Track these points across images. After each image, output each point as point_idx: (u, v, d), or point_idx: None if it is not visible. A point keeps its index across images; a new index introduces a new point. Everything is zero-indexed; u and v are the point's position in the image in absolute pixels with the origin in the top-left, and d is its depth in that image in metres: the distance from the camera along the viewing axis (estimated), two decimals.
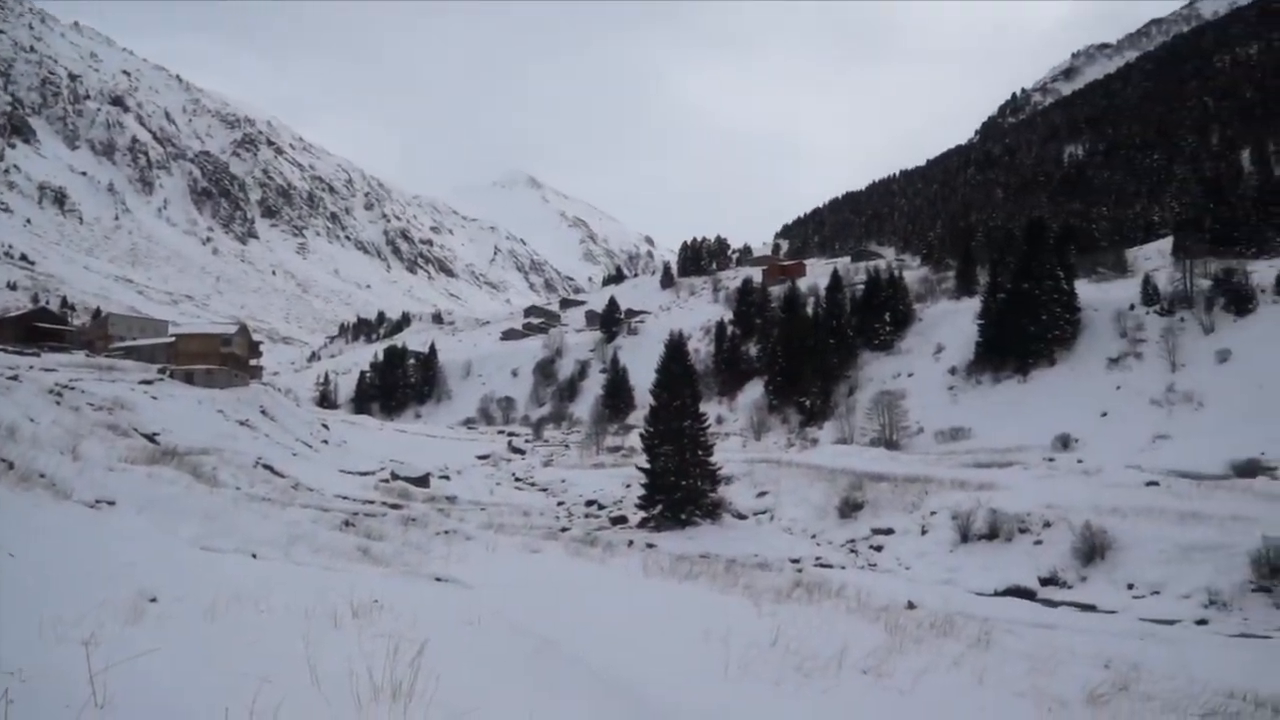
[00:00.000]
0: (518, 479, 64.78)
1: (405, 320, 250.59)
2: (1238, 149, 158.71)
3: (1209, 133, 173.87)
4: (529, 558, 24.07)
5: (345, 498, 39.60)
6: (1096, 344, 69.32)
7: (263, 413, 59.27)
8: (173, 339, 76.32)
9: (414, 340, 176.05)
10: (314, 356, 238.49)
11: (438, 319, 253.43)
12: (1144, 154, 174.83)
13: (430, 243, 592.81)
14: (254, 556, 14.65)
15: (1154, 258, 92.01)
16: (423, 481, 53.51)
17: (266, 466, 43.33)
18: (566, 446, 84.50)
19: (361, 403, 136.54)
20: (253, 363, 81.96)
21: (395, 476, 52.82)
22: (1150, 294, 70.24)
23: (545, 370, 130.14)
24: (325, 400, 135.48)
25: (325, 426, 69.87)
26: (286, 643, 6.13)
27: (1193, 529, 29.47)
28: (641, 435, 46.66)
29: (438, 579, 15.66)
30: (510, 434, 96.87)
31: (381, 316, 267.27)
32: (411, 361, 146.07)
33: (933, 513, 37.73)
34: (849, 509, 41.52)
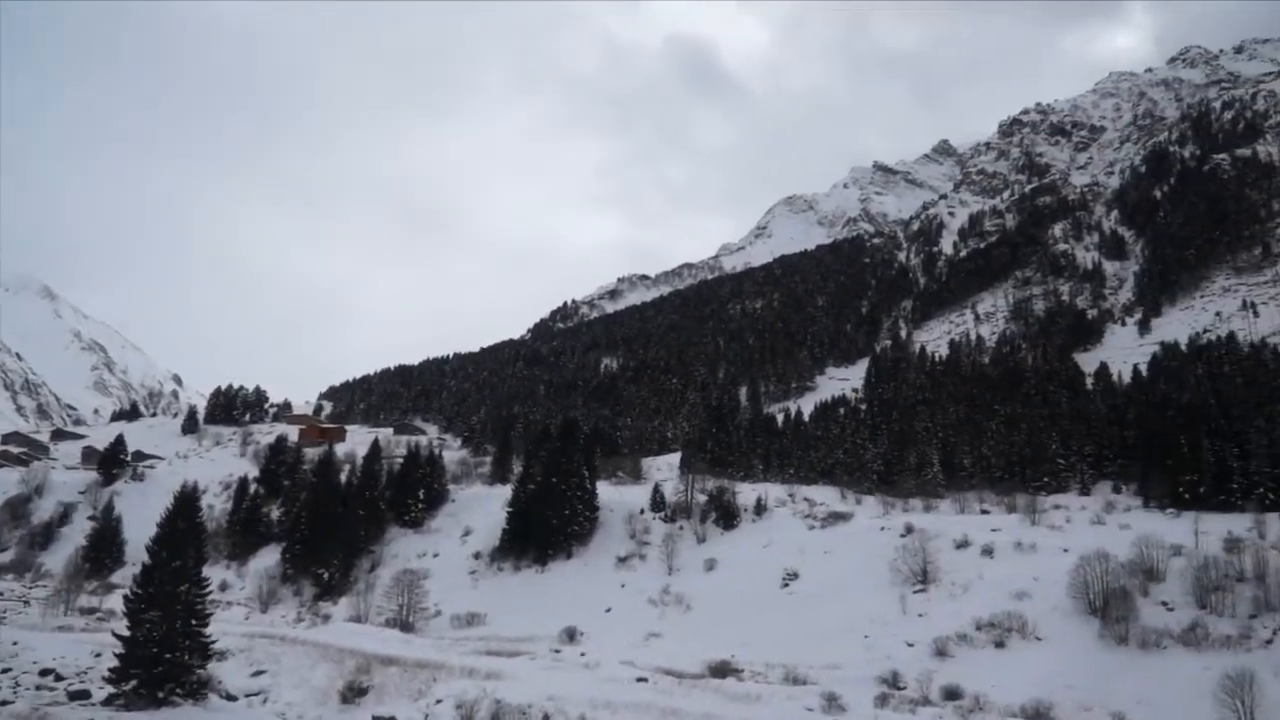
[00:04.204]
0: None
1: None
2: (738, 385, 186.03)
3: (718, 368, 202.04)
4: None
5: None
6: (610, 542, 74.59)
7: None
8: None
9: None
10: None
11: None
12: (666, 376, 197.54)
13: None
14: None
15: (664, 469, 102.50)
16: None
17: None
18: (26, 603, 71.51)
19: None
20: None
21: None
22: (658, 501, 77.74)
23: (16, 510, 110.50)
24: None
25: None
26: None
27: None
28: (126, 597, 40.85)
29: None
30: None
31: None
32: None
33: (439, 701, 36.91)
34: (352, 694, 39.24)
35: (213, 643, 40.78)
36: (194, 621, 39.54)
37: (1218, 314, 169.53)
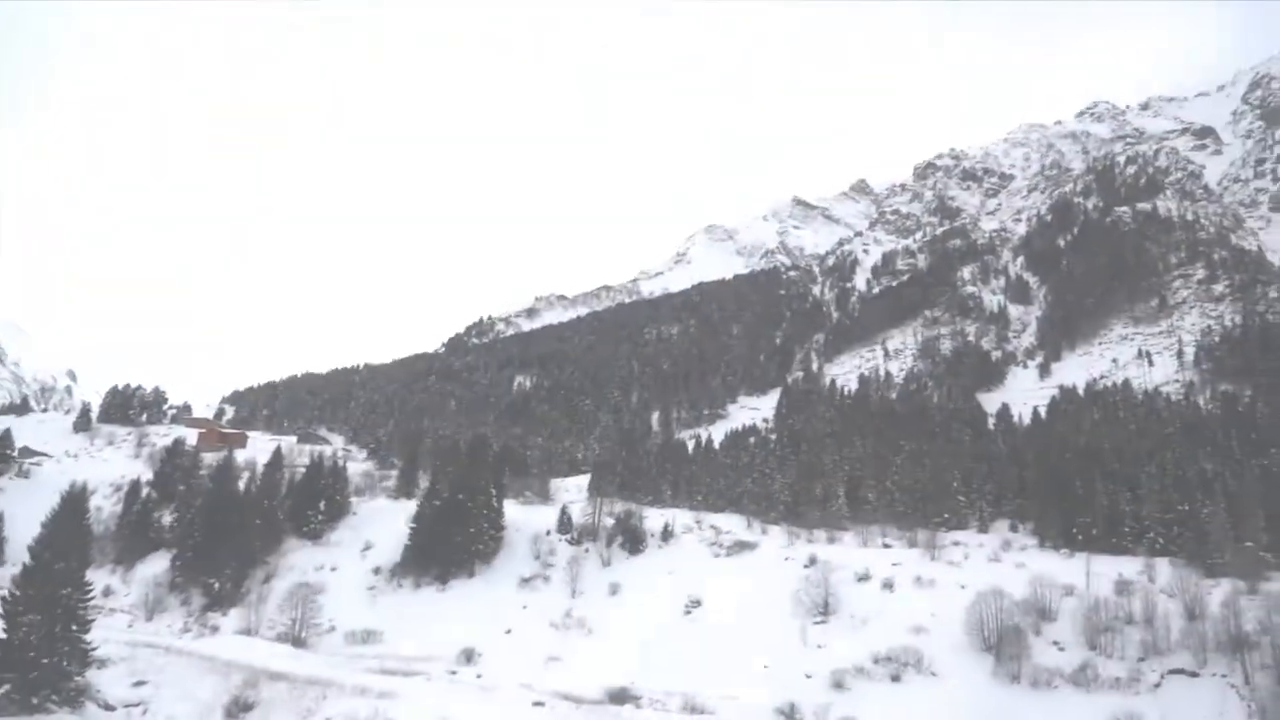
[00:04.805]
0: None
1: None
2: (651, 409, 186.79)
3: (632, 391, 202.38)
4: None
5: None
6: (514, 562, 73.66)
7: None
8: None
9: None
10: None
11: None
12: (580, 398, 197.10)
13: None
14: None
15: (573, 491, 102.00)
16: None
17: None
18: None
19: None
20: None
21: None
22: (565, 523, 77.22)
23: None
24: None
25: None
26: None
27: None
28: (3, 598, 38.89)
29: None
30: None
31: None
32: None
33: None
34: (238, 709, 38.00)
35: (93, 650, 39.13)
36: (74, 627, 37.95)
37: (1114, 361, 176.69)
